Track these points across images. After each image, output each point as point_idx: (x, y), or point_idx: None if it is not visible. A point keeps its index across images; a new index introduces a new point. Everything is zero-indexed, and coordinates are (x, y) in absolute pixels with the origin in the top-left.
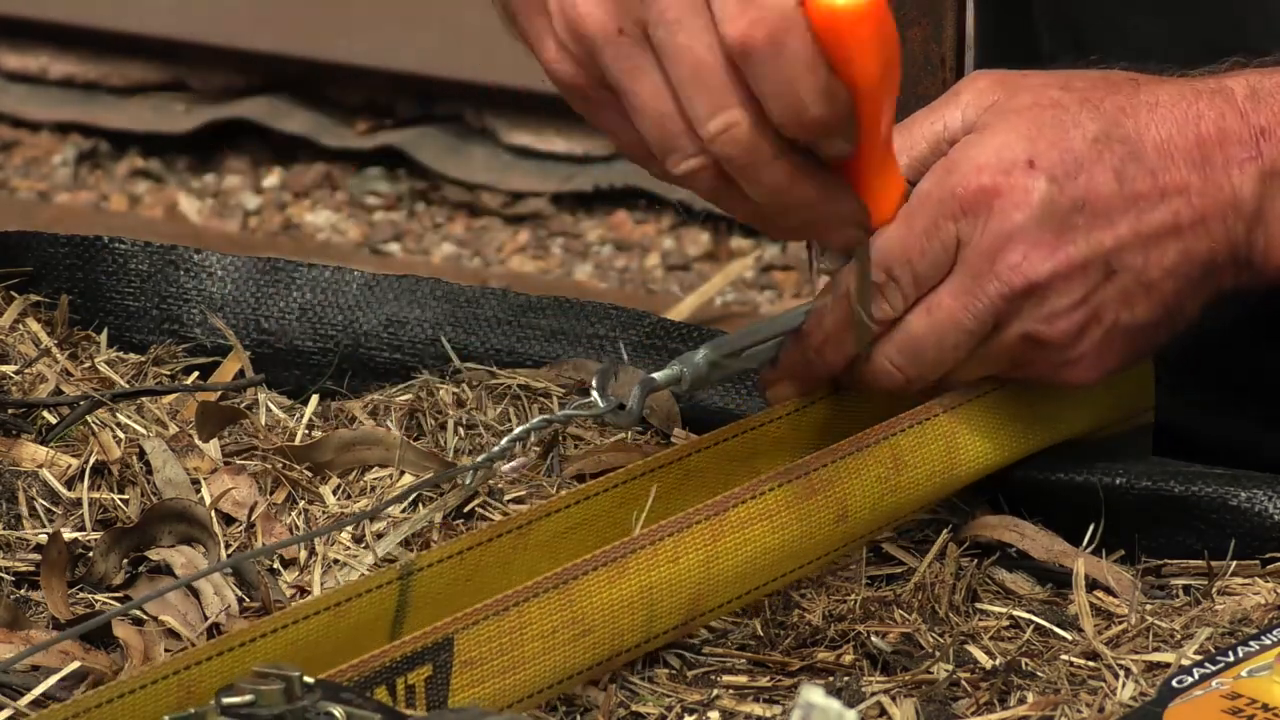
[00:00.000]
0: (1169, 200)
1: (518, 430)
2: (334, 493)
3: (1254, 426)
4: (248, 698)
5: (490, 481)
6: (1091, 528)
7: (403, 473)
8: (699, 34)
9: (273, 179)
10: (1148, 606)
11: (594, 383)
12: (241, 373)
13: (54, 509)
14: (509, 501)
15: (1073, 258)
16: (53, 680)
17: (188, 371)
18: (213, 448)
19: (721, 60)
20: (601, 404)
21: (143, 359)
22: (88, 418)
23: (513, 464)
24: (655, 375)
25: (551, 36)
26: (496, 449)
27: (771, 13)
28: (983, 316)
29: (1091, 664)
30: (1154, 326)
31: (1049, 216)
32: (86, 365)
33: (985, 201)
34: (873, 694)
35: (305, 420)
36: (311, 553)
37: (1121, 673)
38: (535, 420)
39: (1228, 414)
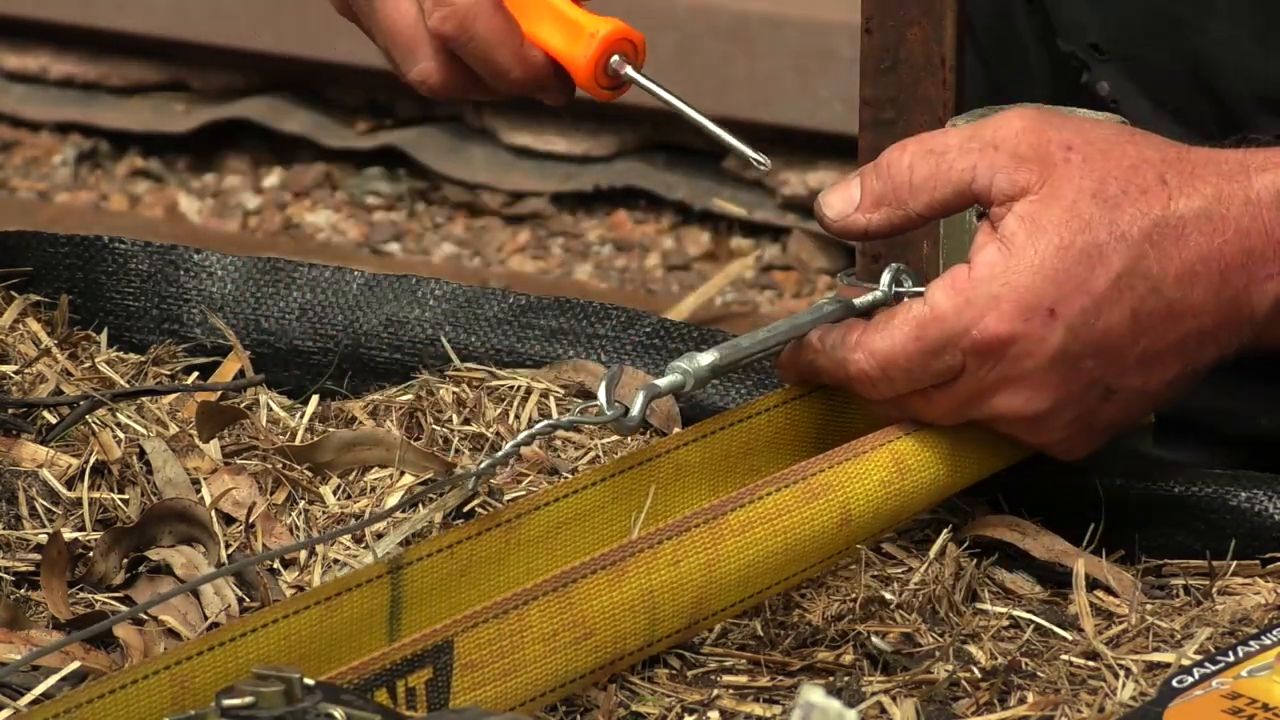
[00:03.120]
0: (1181, 324)
1: (521, 435)
2: (334, 493)
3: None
4: (248, 699)
5: (490, 481)
6: (1091, 528)
7: (403, 473)
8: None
9: (273, 179)
10: (1148, 606)
11: (601, 389)
12: (241, 373)
13: (54, 509)
14: (508, 502)
15: (1074, 393)
16: (53, 680)
17: (188, 371)
18: (213, 448)
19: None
20: (608, 411)
21: (143, 359)
22: (88, 418)
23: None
24: (659, 381)
25: None
26: (500, 454)
27: (459, 7)
28: (974, 421)
29: (1091, 664)
30: (1143, 416)
31: (1059, 364)
32: (86, 365)
33: (999, 349)
34: (873, 694)
35: (305, 420)
36: (311, 553)
37: (1121, 673)
38: (540, 425)
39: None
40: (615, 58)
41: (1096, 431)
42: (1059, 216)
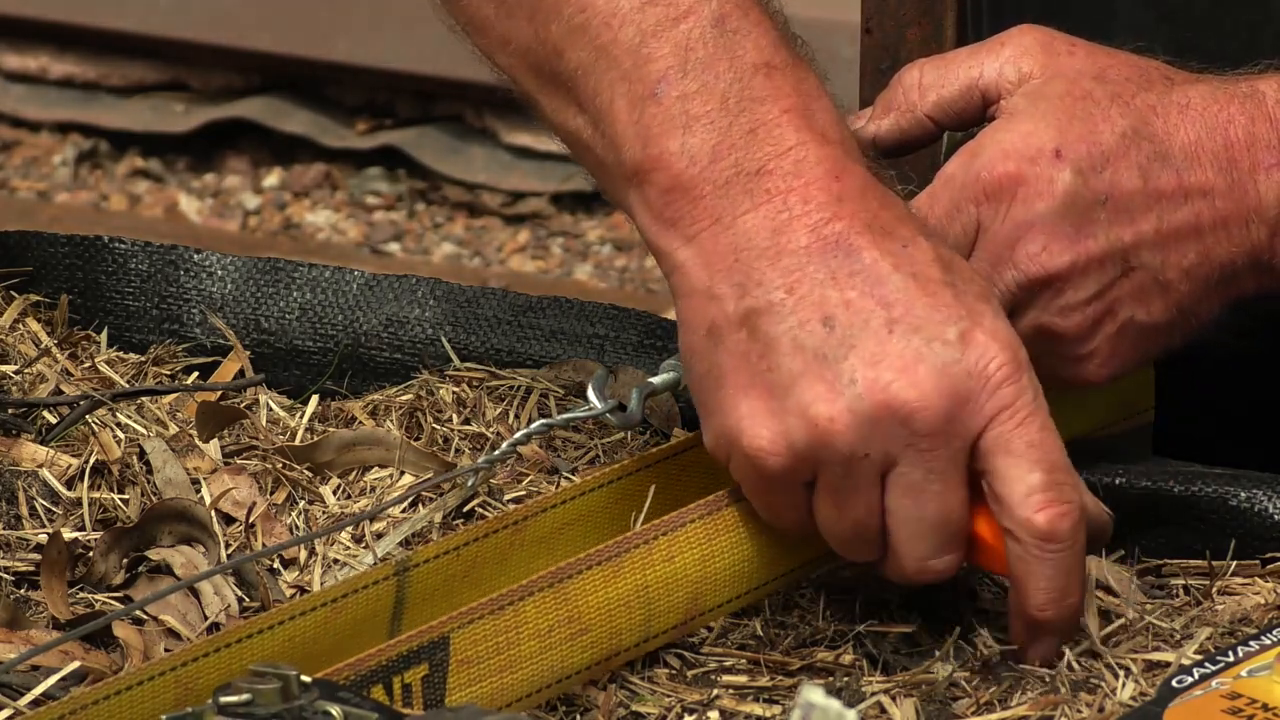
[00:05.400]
0: (1192, 201)
1: (518, 434)
2: (334, 493)
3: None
4: (245, 697)
5: (490, 480)
6: None
7: (403, 473)
8: (955, 489)
9: (273, 179)
10: (1148, 606)
11: (590, 388)
12: (241, 373)
13: (54, 509)
14: (508, 502)
15: (1091, 251)
16: (53, 680)
17: (188, 371)
18: (213, 448)
19: (962, 517)
20: (600, 405)
21: (143, 359)
22: (88, 418)
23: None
24: (653, 379)
25: (774, 426)
26: (498, 452)
27: (1075, 508)
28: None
29: (1092, 664)
30: (1167, 327)
31: (1071, 208)
32: (86, 365)
33: (1009, 188)
34: (873, 694)
35: (305, 420)
36: (311, 552)
37: (1121, 672)
38: (536, 424)
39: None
40: None
41: (1116, 325)
42: (1061, 88)
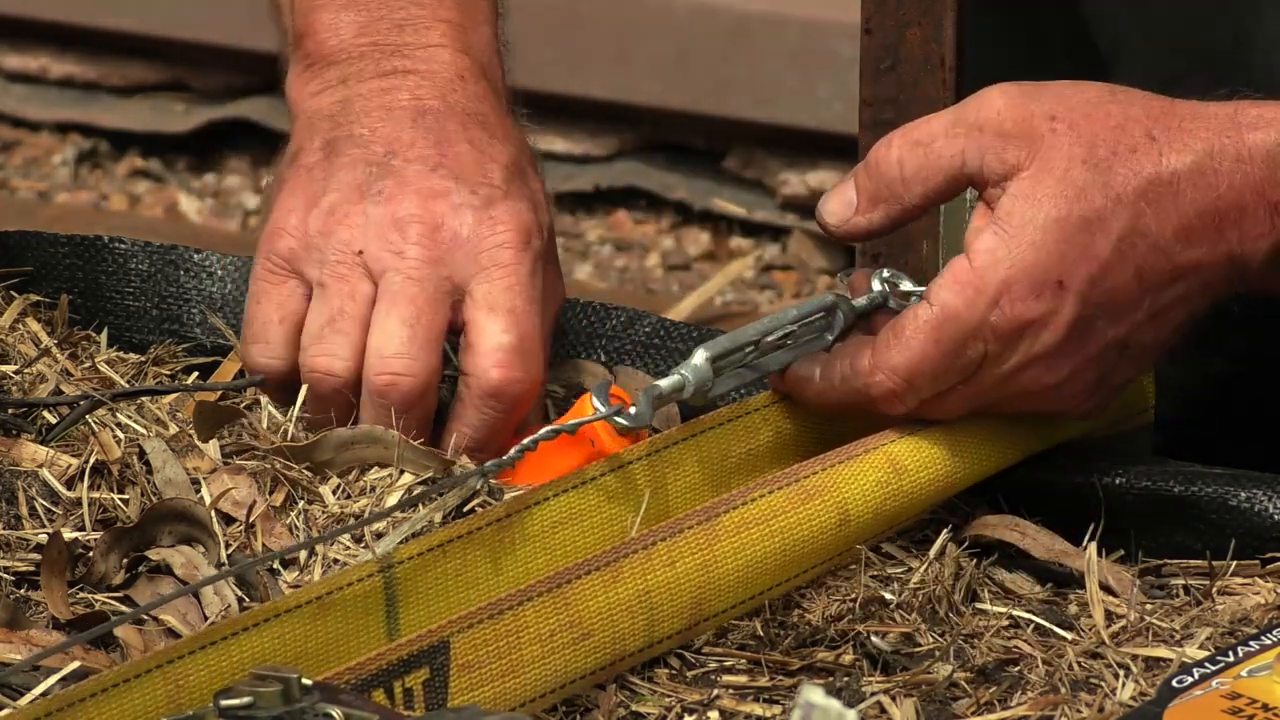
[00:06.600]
0: (1183, 279)
1: (526, 441)
2: (334, 492)
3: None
4: (246, 699)
5: (491, 480)
6: (1091, 528)
7: (402, 472)
8: (430, 302)
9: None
10: (1147, 606)
11: (593, 396)
12: (241, 373)
13: (54, 509)
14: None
15: (1090, 354)
16: (53, 680)
17: (188, 371)
18: (212, 448)
19: (431, 327)
20: (603, 410)
21: (143, 359)
22: (88, 418)
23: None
24: (660, 383)
25: (299, 216)
26: (505, 458)
27: (530, 382)
28: (995, 405)
29: (1092, 664)
30: (1153, 365)
31: (1075, 331)
32: (86, 365)
33: (1020, 331)
34: (873, 694)
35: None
36: (311, 553)
37: (1121, 672)
38: (543, 431)
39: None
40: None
41: (1113, 388)
42: (1053, 188)
